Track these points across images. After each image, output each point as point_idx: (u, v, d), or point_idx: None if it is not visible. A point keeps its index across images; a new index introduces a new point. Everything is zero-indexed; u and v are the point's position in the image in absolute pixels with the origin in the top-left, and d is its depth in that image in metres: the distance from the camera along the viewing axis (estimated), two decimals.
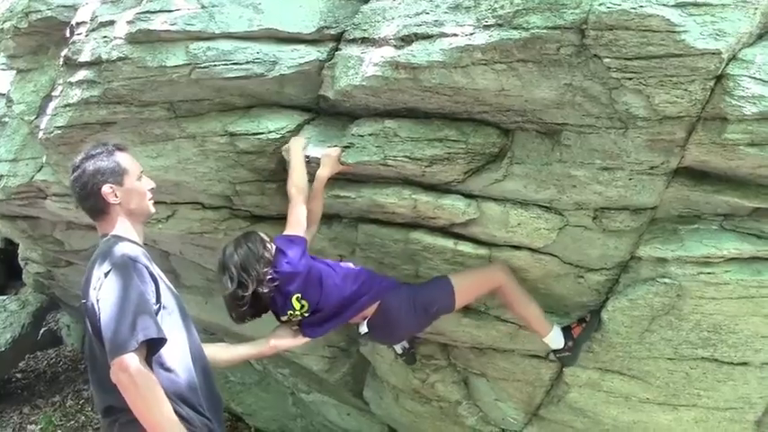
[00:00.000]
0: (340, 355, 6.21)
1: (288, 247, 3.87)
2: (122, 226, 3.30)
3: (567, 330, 4.39)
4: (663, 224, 3.99)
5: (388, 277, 4.31)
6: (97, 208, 3.30)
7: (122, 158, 3.39)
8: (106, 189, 3.26)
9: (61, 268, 8.11)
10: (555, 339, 4.35)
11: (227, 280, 3.78)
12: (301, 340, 4.04)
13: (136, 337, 2.85)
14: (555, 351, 4.42)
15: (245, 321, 3.93)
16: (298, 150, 4.18)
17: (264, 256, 3.80)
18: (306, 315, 3.93)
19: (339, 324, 4.11)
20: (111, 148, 3.40)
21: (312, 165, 4.14)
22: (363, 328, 4.15)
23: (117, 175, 3.31)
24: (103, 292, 2.96)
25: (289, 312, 3.91)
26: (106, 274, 2.99)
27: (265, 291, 3.77)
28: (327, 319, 4.02)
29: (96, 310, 2.97)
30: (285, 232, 3.98)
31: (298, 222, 3.98)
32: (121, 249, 3.11)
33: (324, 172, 4.13)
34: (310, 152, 4.23)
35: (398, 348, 5.17)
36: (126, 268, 3.01)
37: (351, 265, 4.22)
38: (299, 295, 3.86)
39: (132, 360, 2.82)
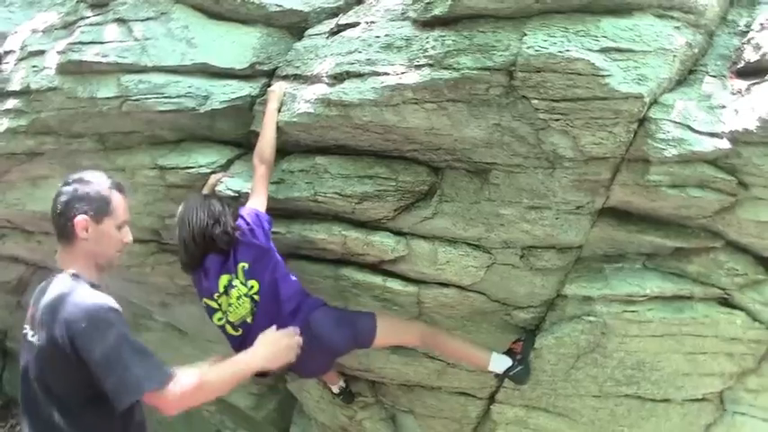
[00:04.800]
0: (267, 391, 6.15)
1: (255, 220, 3.78)
2: (84, 264, 3.08)
3: (508, 352, 4.31)
4: (588, 263, 4.06)
5: (314, 295, 4.12)
6: (65, 232, 3.07)
7: (115, 199, 3.16)
8: (80, 219, 3.01)
9: None
10: (499, 363, 4.24)
11: (208, 217, 3.74)
12: None
13: (166, 371, 2.79)
14: (506, 371, 4.25)
15: (192, 268, 3.86)
16: (272, 113, 4.08)
17: (235, 216, 3.79)
18: (256, 304, 3.74)
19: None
20: (112, 184, 3.19)
21: (241, 200, 4.11)
22: None
23: (99, 213, 3.07)
24: (98, 341, 2.75)
25: (234, 290, 3.73)
26: (84, 327, 2.76)
27: (228, 235, 3.71)
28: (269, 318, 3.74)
29: (69, 358, 2.75)
30: (249, 204, 3.89)
31: (260, 201, 3.90)
32: (97, 296, 2.92)
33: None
34: (232, 185, 4.23)
35: (335, 389, 5.14)
36: (112, 321, 2.83)
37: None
38: (246, 265, 3.72)
39: (171, 392, 2.76)
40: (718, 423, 4.42)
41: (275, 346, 3.33)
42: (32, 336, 2.93)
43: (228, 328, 3.83)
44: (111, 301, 2.94)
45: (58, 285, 2.96)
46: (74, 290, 2.92)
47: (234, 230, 3.72)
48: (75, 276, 3.01)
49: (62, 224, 3.07)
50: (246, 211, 3.83)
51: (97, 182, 3.15)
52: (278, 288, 3.76)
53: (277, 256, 3.83)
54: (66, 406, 2.81)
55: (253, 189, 3.99)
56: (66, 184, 3.11)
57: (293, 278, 3.92)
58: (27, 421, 2.97)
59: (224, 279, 3.76)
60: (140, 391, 2.71)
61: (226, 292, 3.76)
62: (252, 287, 3.73)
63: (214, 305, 3.81)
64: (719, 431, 4.45)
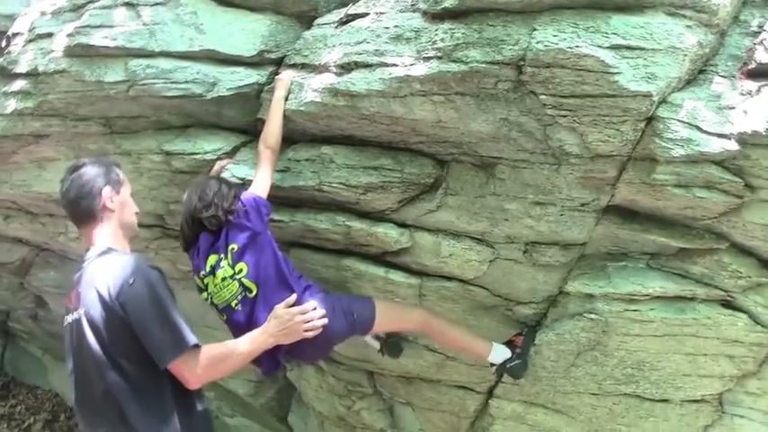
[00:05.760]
0: (266, 379, 6.16)
1: (251, 203, 3.77)
2: (114, 237, 3.17)
3: (508, 344, 4.31)
4: (591, 260, 4.05)
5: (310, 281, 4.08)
6: (91, 210, 3.14)
7: (121, 171, 3.34)
8: (107, 192, 3.17)
9: None
10: (498, 354, 4.24)
11: (198, 200, 3.77)
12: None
13: (195, 343, 2.92)
14: (504, 363, 4.25)
15: (188, 249, 3.90)
16: (279, 100, 4.07)
17: (231, 199, 3.77)
18: (245, 290, 3.70)
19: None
20: (110, 160, 3.34)
21: (246, 186, 4.09)
22: None
23: (116, 184, 3.25)
24: (138, 299, 2.87)
25: (221, 270, 3.71)
26: (131, 284, 2.87)
27: (216, 218, 3.72)
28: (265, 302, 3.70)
29: (117, 314, 2.84)
30: (251, 189, 3.88)
31: (261, 187, 3.90)
32: (137, 261, 3.02)
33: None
34: (237, 172, 4.22)
35: (375, 344, 4.79)
36: (157, 280, 2.97)
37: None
38: (235, 247, 3.69)
39: (190, 363, 2.90)
40: (716, 425, 4.42)
41: (289, 321, 3.38)
42: (76, 313, 2.96)
43: (214, 310, 3.83)
44: (153, 262, 3.10)
45: (97, 262, 3.03)
46: (115, 258, 3.02)
47: (226, 214, 3.71)
48: (109, 250, 3.09)
49: (87, 205, 3.15)
50: (246, 195, 3.82)
51: (99, 161, 3.28)
52: (281, 267, 3.74)
53: (272, 241, 3.80)
54: (121, 368, 2.86)
55: (256, 174, 3.99)
56: (75, 170, 3.20)
57: (291, 264, 3.91)
58: (83, 402, 3.00)
59: (212, 259, 3.75)
60: (174, 356, 2.85)
61: (212, 272, 3.75)
62: (240, 270, 3.69)
63: (201, 284, 3.83)
64: None
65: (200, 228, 3.77)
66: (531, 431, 4.79)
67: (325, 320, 3.52)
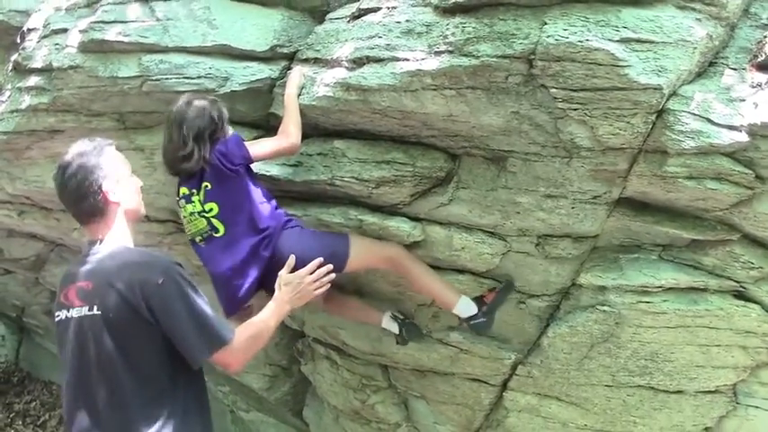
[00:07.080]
0: (281, 373, 6.18)
1: (232, 147, 3.76)
2: (120, 230, 3.00)
3: (478, 300, 4.23)
4: (604, 253, 4.06)
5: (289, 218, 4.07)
6: (96, 208, 2.94)
7: (113, 154, 3.11)
8: (107, 186, 2.95)
9: None
10: (464, 308, 4.17)
11: (183, 138, 3.73)
12: None
13: (231, 328, 2.90)
14: (469, 318, 4.18)
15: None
16: (291, 97, 4.06)
17: (218, 137, 3.79)
18: (212, 229, 3.76)
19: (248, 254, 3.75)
20: (101, 143, 3.10)
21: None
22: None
23: (114, 171, 3.03)
24: (169, 300, 2.74)
25: (190, 205, 3.78)
26: (160, 284, 2.73)
27: (200, 163, 3.72)
28: (231, 246, 3.77)
29: (143, 317, 2.71)
30: (249, 143, 3.86)
31: (261, 147, 3.86)
32: (159, 257, 2.92)
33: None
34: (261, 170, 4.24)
35: (394, 327, 4.60)
36: (183, 276, 2.81)
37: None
38: (209, 185, 3.71)
39: (230, 352, 2.85)
40: (730, 416, 4.42)
41: (300, 284, 3.34)
42: (87, 309, 2.78)
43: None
44: (170, 257, 2.98)
45: (111, 258, 2.87)
46: (129, 252, 2.93)
47: (202, 160, 3.72)
48: (120, 246, 2.95)
49: (90, 204, 2.94)
50: (230, 140, 3.82)
51: (91, 149, 3.05)
52: (253, 214, 3.77)
53: (249, 183, 3.80)
54: (138, 372, 2.74)
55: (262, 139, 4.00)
56: (66, 168, 2.98)
57: (272, 205, 3.90)
58: (84, 401, 2.80)
59: (183, 190, 3.82)
60: (216, 347, 2.81)
61: (177, 203, 3.85)
62: (211, 210, 3.73)
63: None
64: (732, 423, 4.45)
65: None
66: (546, 423, 4.79)
67: (333, 276, 3.48)
